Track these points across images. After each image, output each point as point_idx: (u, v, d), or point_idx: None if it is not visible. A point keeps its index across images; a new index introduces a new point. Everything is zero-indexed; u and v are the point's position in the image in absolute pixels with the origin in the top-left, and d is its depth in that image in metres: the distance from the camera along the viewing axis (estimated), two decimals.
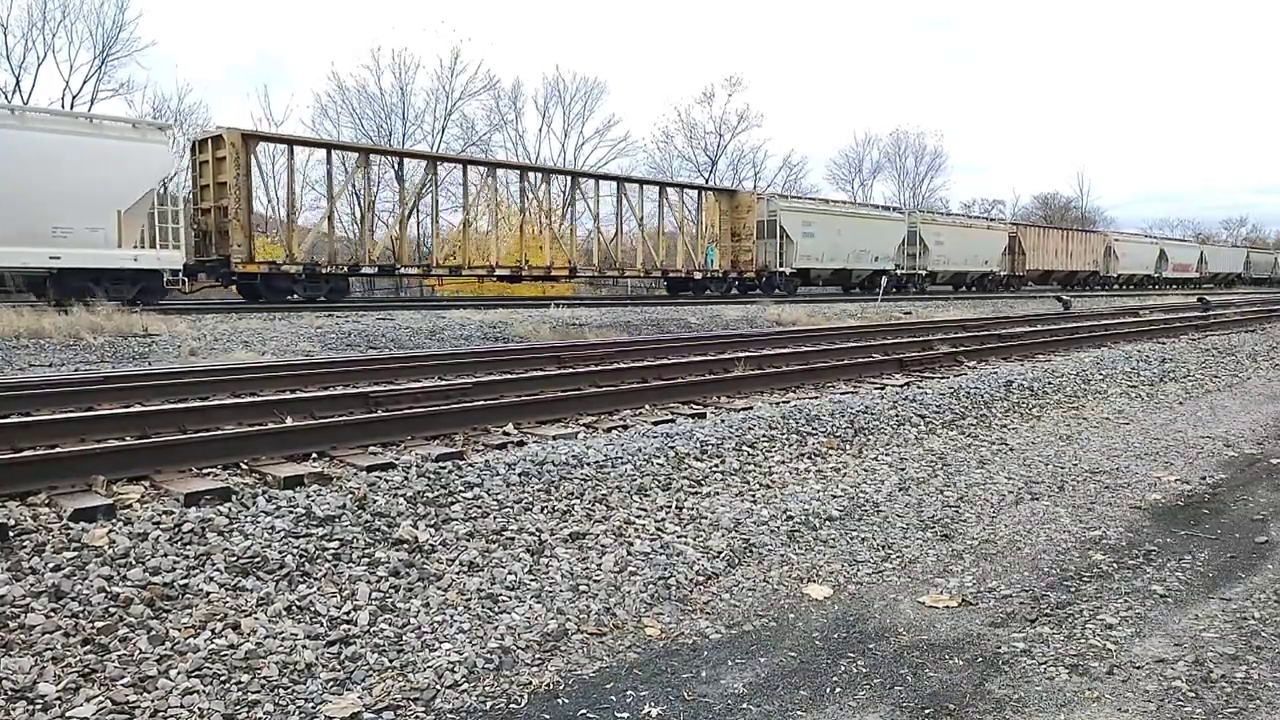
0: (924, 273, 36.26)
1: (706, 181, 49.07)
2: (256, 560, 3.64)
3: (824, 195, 51.93)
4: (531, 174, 26.56)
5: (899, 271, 34.70)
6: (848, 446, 6.38)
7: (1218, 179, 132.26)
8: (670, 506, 4.84)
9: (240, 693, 2.86)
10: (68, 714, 2.67)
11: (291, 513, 4.05)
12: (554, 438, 5.84)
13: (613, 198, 27.97)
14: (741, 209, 30.51)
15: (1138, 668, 3.16)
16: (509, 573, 3.85)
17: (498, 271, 24.27)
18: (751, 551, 4.37)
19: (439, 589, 3.66)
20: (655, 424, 6.47)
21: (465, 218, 24.74)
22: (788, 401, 7.54)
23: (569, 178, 28.03)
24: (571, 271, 26.06)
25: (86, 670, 2.88)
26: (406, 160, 25.40)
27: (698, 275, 28.85)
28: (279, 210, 22.89)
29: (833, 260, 32.07)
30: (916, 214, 37.92)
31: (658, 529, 4.52)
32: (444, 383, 7.97)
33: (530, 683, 3.06)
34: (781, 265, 30.05)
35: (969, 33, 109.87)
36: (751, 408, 7.14)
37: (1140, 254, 51.89)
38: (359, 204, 23.95)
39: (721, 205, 30.62)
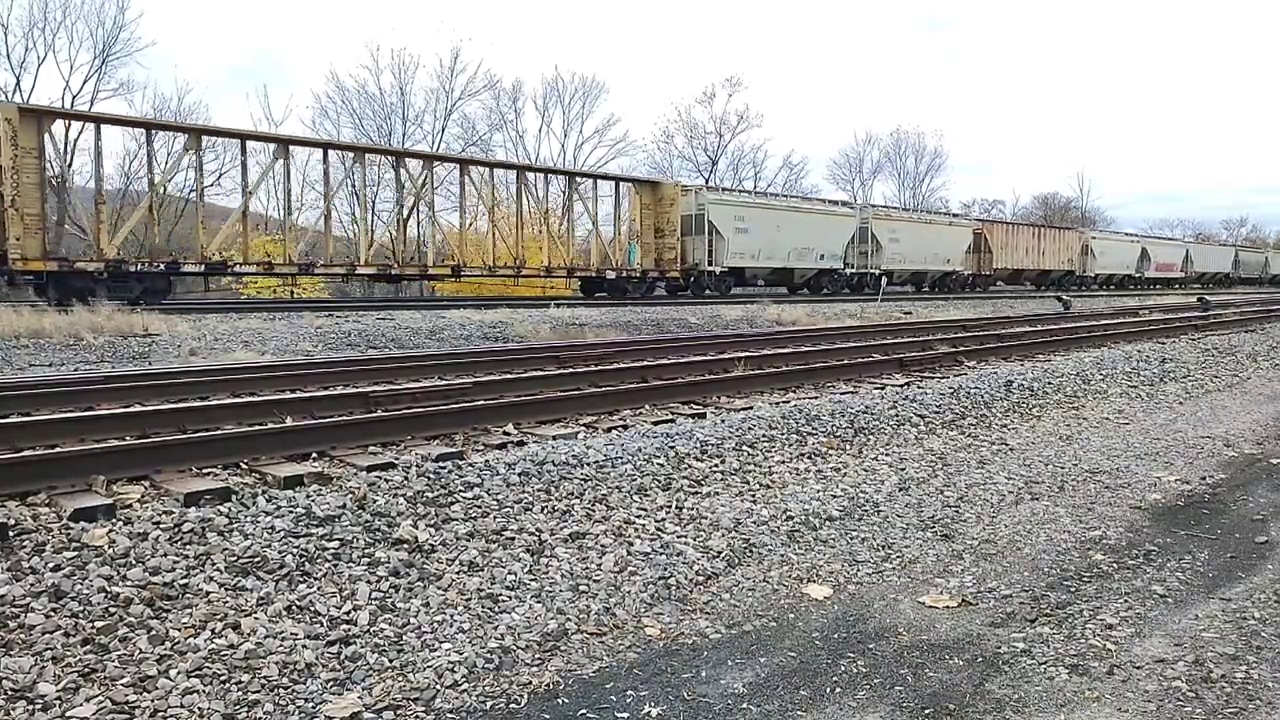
0: (877, 272, 33.45)
1: (707, 181, 49.02)
2: (256, 560, 3.64)
3: (825, 195, 51.73)
4: (409, 161, 23.69)
5: (849, 271, 32.33)
6: (848, 446, 6.38)
7: (1218, 179, 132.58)
8: (670, 506, 4.84)
9: (240, 693, 2.86)
10: (68, 714, 2.67)
11: (291, 513, 4.05)
12: (554, 438, 5.84)
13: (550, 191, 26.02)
14: (665, 202, 27.36)
15: (1138, 668, 3.16)
16: (509, 573, 3.85)
17: (360, 270, 21.59)
18: (751, 551, 4.37)
19: (439, 589, 3.66)
20: (655, 424, 6.47)
21: (325, 210, 21.65)
22: (788, 401, 7.54)
23: (457, 166, 24.82)
24: (455, 270, 23.31)
25: (86, 670, 2.88)
26: (252, 144, 21.59)
27: (610, 274, 25.94)
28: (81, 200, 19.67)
29: (770, 258, 29.47)
30: (868, 209, 34.98)
31: (658, 529, 4.52)
32: (444, 382, 7.97)
33: (530, 683, 3.06)
34: (711, 264, 27.50)
35: (969, 33, 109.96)
36: (751, 408, 7.14)
37: (1120, 253, 49.43)
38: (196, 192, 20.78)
39: (643, 198, 27.45)
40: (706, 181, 49.49)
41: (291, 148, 21.47)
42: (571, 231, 26.87)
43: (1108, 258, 47.89)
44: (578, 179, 27.51)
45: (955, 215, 44.89)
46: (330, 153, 22.78)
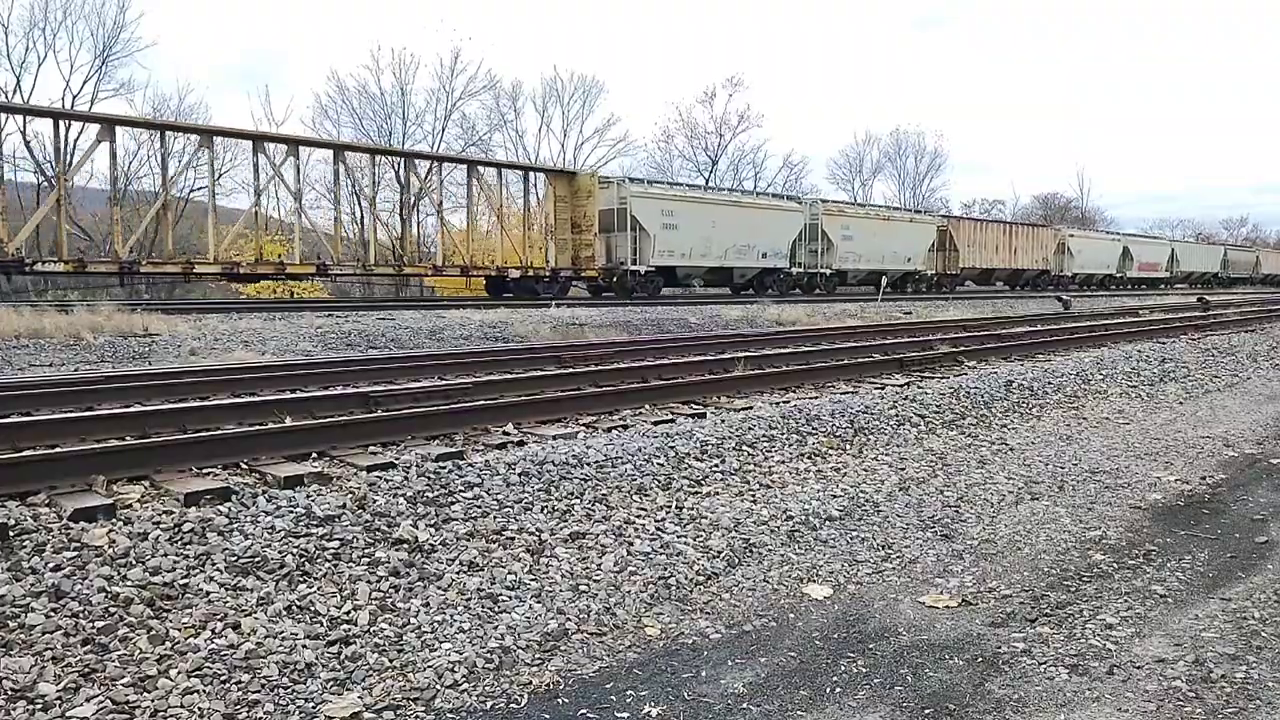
0: (829, 272, 31.40)
1: (707, 182, 48.94)
2: (257, 560, 3.64)
3: (826, 195, 51.45)
4: (271, 146, 20.38)
5: (796, 270, 30.19)
6: (848, 446, 6.38)
7: (1218, 179, 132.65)
8: (670, 506, 4.84)
9: (240, 692, 2.86)
10: (68, 714, 2.67)
11: (291, 512, 4.05)
12: (554, 437, 5.84)
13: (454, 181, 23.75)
14: (581, 195, 24.63)
15: (1138, 668, 3.16)
16: (509, 572, 3.85)
17: (202, 269, 18.93)
18: (751, 551, 4.37)
19: (439, 589, 3.66)
20: (655, 424, 6.46)
21: (164, 199, 19.12)
22: (788, 401, 7.54)
23: (331, 152, 21.95)
24: (321, 269, 20.67)
25: (86, 670, 2.88)
26: (65, 123, 18.93)
27: (513, 273, 23.20)
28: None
29: (704, 256, 27.19)
30: (818, 204, 32.42)
31: (658, 529, 4.52)
32: (444, 382, 7.97)
33: (530, 682, 3.06)
34: (637, 263, 25.02)
35: (969, 32, 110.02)
36: (751, 408, 7.14)
37: (1099, 251, 47.08)
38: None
39: (558, 190, 24.72)
40: (707, 181, 49.46)
41: (116, 128, 18.57)
42: (474, 226, 24.47)
43: (1086, 257, 45.85)
44: (480, 168, 24.37)
45: (918, 211, 41.20)
46: (170, 136, 19.79)
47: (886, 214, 36.32)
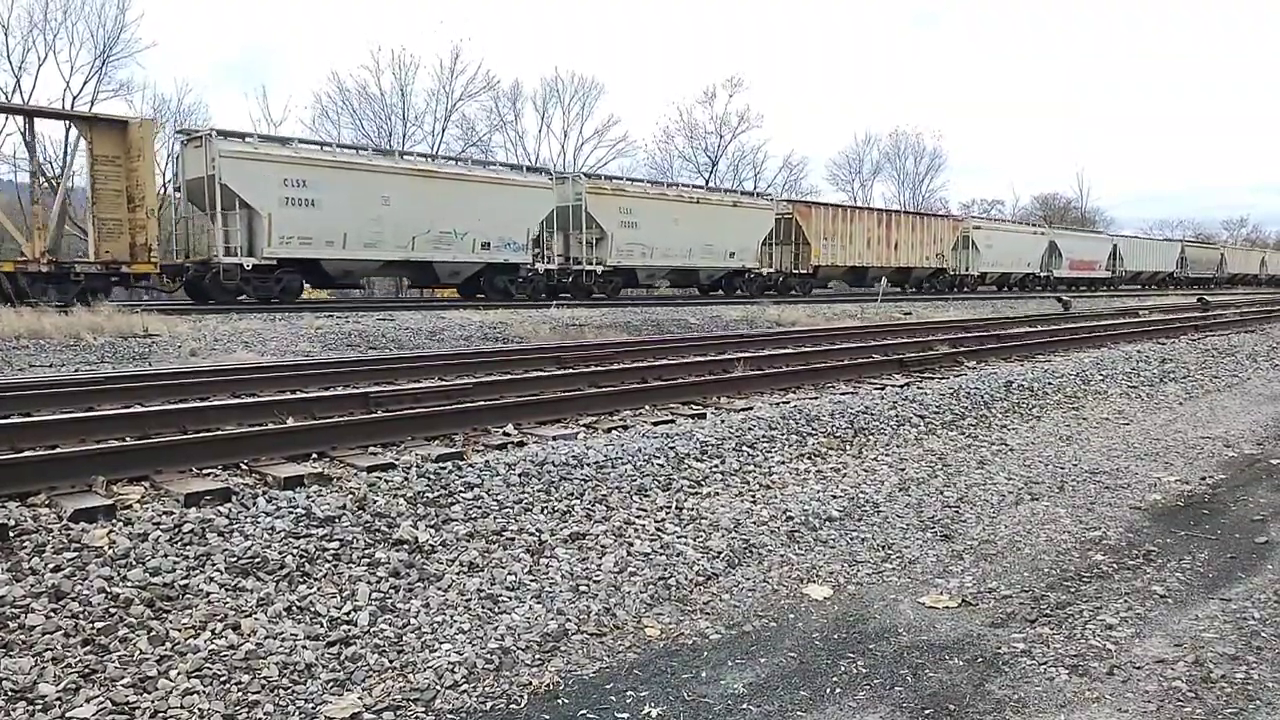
0: (600, 270, 24.39)
1: (707, 182, 48.76)
2: (257, 561, 3.64)
3: (824, 197, 50.76)
4: None
5: (544, 267, 23.28)
6: (848, 447, 6.38)
7: (1216, 179, 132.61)
8: (670, 507, 4.84)
9: (240, 693, 2.86)
10: (68, 714, 2.67)
11: (292, 513, 4.05)
12: (554, 438, 5.84)
13: None
14: (134, 156, 16.60)
15: (1138, 668, 3.16)
16: (509, 573, 3.85)
17: None
18: (751, 552, 4.37)
19: (439, 589, 3.66)
20: (655, 424, 6.46)
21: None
22: (788, 402, 7.54)
23: None
24: None
25: (86, 670, 2.88)
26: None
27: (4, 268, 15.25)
28: None
29: (374, 247, 19.84)
30: (580, 180, 24.75)
31: (658, 529, 4.52)
32: (444, 383, 7.97)
33: (530, 683, 3.06)
34: (251, 253, 18.12)
35: (968, 27, 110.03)
36: (751, 408, 7.14)
37: (1015, 247, 40.41)
38: None
39: (97, 148, 16.28)
40: (707, 182, 49.32)
41: None
42: None
43: (998, 252, 39.15)
44: None
45: (747, 193, 31.90)
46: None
47: (696, 195, 28.27)
